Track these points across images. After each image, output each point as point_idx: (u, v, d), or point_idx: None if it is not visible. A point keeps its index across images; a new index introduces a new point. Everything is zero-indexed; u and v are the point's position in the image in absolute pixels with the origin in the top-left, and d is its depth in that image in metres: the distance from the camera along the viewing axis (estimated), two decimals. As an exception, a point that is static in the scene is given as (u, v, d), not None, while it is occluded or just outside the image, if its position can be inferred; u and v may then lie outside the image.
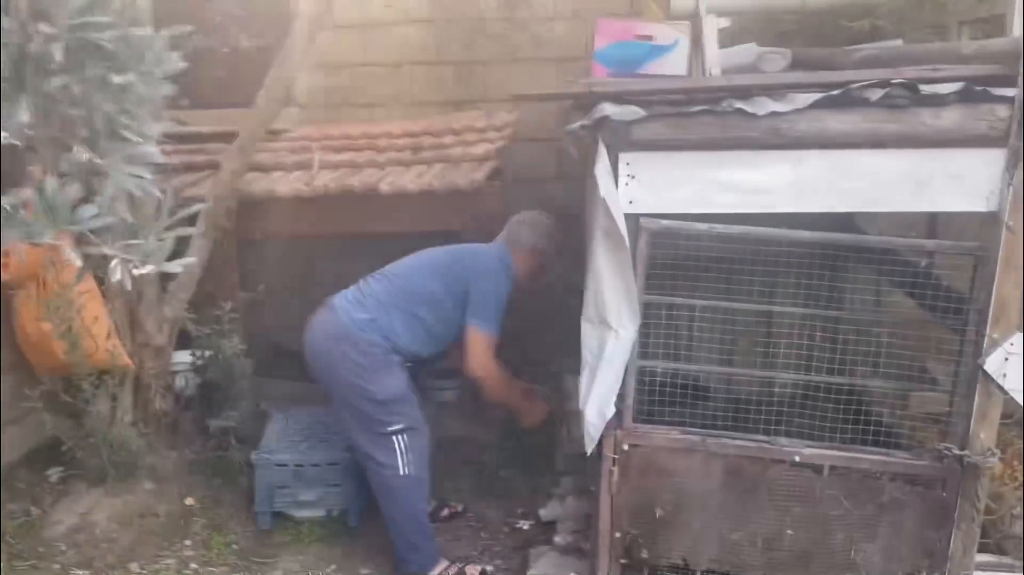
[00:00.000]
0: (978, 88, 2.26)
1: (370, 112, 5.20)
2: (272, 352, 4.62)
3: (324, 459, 3.53)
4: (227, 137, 4.35)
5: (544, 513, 3.52)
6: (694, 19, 2.98)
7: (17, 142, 1.23)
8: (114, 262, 1.12)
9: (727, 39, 3.15)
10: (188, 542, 3.43)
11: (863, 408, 3.53)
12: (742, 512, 2.65)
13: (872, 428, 2.66)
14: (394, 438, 3.10)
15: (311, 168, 4.11)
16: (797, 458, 2.55)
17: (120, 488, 3.56)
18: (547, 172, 5.23)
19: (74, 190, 1.03)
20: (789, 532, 2.63)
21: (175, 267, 1.13)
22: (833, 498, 2.56)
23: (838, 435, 2.75)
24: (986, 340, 2.38)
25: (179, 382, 3.97)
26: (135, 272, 1.13)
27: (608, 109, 2.40)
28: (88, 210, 1.05)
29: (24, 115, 1.00)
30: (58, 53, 0.97)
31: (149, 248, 1.11)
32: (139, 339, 3.70)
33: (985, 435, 2.45)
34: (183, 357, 3.94)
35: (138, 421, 3.72)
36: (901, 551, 2.58)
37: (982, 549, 2.64)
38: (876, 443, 2.61)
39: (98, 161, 1.04)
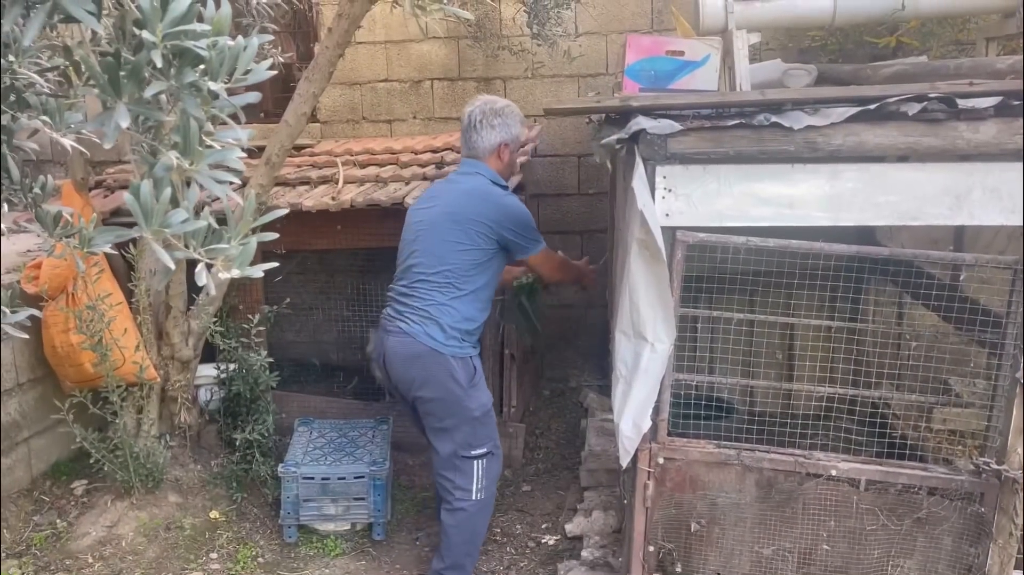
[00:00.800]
0: (1015, 102, 2.27)
1: (391, 128, 5.25)
2: (297, 365, 4.64)
3: (350, 472, 3.53)
4: (251, 151, 4.38)
5: (570, 528, 3.51)
6: (724, 34, 3.01)
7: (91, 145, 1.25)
8: (200, 266, 1.13)
9: (751, 55, 3.18)
10: (214, 555, 3.42)
11: (887, 422, 3.55)
12: (777, 526, 2.64)
13: (890, 441, 2.66)
14: (475, 462, 3.04)
15: (336, 183, 4.14)
16: (833, 472, 2.54)
17: (146, 501, 3.56)
18: (568, 187, 5.27)
19: (166, 194, 1.05)
20: (825, 547, 2.62)
21: (257, 271, 1.14)
22: (870, 512, 2.55)
23: (863, 449, 2.75)
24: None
25: (204, 395, 3.98)
26: (221, 276, 1.14)
27: (644, 122, 2.41)
28: (178, 214, 1.06)
29: (124, 120, 1.02)
30: (158, 60, 0.99)
31: (233, 252, 1.12)
32: (165, 352, 3.71)
33: (1022, 450, 2.44)
34: (208, 370, 3.95)
35: (164, 434, 3.73)
36: (938, 566, 2.57)
37: (1019, 565, 2.62)
38: (900, 457, 2.61)
39: (187, 167, 1.05)
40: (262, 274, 1.16)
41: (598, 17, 4.88)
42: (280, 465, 3.54)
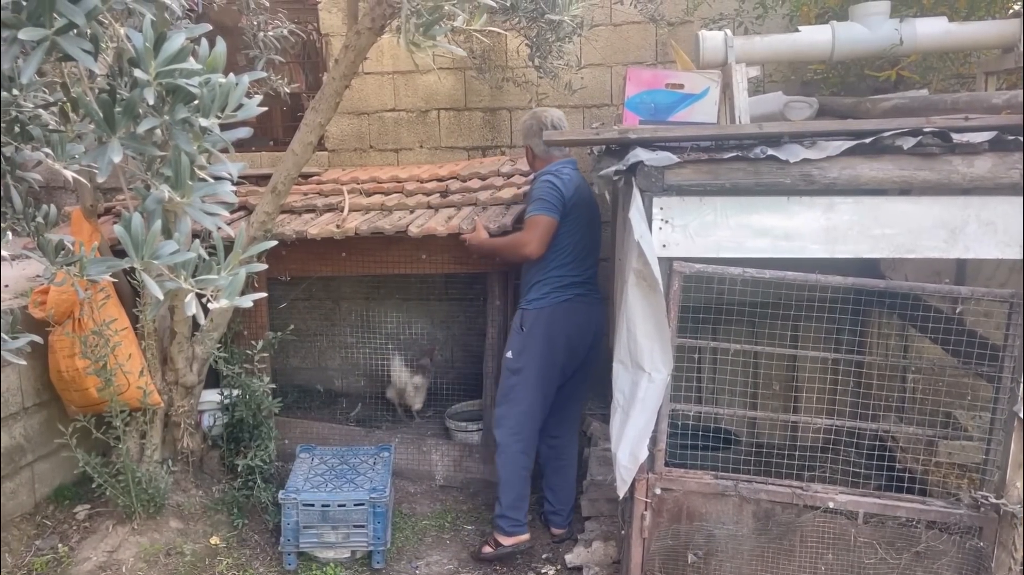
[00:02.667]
0: (1011, 137, 2.29)
1: (398, 156, 5.30)
2: (300, 391, 4.66)
3: (349, 499, 3.53)
4: (259, 180, 4.45)
5: (570, 558, 3.49)
6: (724, 68, 3.05)
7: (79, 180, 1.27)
8: (189, 296, 1.16)
9: (751, 88, 3.22)
10: (213, 582, 3.42)
11: (889, 455, 3.52)
12: (775, 559, 2.63)
13: (898, 475, 2.66)
14: None
15: (341, 211, 4.19)
16: (831, 504, 2.53)
17: (147, 526, 3.57)
18: (572, 216, 5.27)
19: (157, 226, 1.08)
20: (823, 580, 2.60)
21: (246, 302, 1.17)
22: (868, 546, 2.54)
23: (866, 482, 2.74)
24: (1022, 388, 2.37)
25: (207, 420, 4.00)
26: (210, 306, 1.17)
27: (642, 154, 2.45)
28: (168, 246, 1.09)
29: (116, 155, 1.05)
30: (150, 97, 1.03)
31: (222, 283, 1.15)
32: (170, 377, 3.74)
33: (1021, 484, 2.43)
34: (212, 395, 3.98)
35: (166, 459, 3.75)
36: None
37: (1020, 600, 2.60)
38: (905, 491, 2.60)
39: (179, 200, 1.08)
40: (252, 303, 1.19)
41: (602, 49, 4.94)
42: (280, 491, 3.55)
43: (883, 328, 3.68)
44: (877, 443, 3.50)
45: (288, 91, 3.55)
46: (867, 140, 2.39)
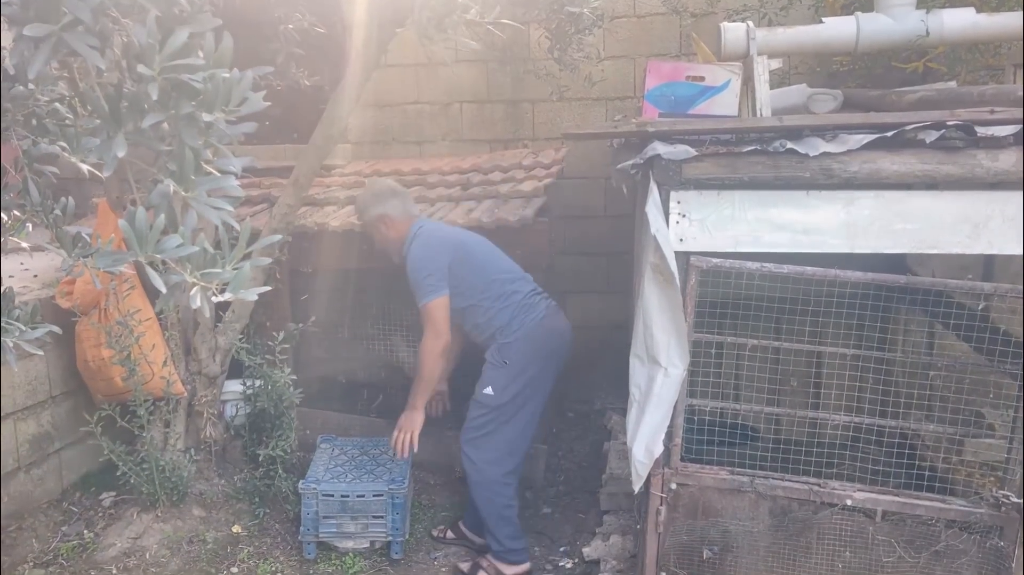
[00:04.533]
0: (1036, 131, 2.25)
1: (420, 149, 5.31)
2: (322, 382, 4.69)
3: (369, 490, 3.55)
4: (282, 172, 4.48)
5: (588, 551, 3.49)
6: (745, 60, 3.02)
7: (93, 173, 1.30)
8: (194, 289, 1.18)
9: (777, 80, 3.18)
10: (235, 569, 3.47)
11: (914, 453, 3.48)
12: (791, 556, 2.61)
13: (921, 473, 2.62)
14: None
15: (363, 203, 4.20)
16: (849, 502, 2.51)
17: (170, 514, 3.63)
18: (594, 209, 5.28)
19: (161, 220, 1.09)
20: (840, 578, 2.58)
21: (251, 295, 1.18)
22: (886, 544, 2.51)
23: (890, 480, 2.71)
24: (1046, 385, 2.33)
25: (230, 410, 4.05)
26: (214, 299, 1.18)
27: (660, 148, 2.43)
28: (173, 239, 1.11)
29: (121, 150, 1.06)
30: (154, 92, 1.04)
31: (227, 276, 1.16)
32: (193, 367, 3.79)
33: (1045, 483, 2.39)
34: (234, 386, 4.02)
35: (189, 448, 3.80)
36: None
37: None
38: (929, 490, 2.56)
39: (184, 194, 1.10)
40: (256, 298, 1.20)
41: (625, 41, 4.91)
42: (301, 481, 3.58)
43: (907, 324, 3.62)
44: (901, 441, 3.46)
45: (310, 84, 3.56)
46: (889, 134, 2.36)
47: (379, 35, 3.41)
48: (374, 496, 3.54)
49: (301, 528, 3.57)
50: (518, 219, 3.78)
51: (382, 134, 5.34)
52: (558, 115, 5.15)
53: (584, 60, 4.01)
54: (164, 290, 1.17)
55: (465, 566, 3.49)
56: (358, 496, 3.54)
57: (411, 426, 3.42)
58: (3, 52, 1.33)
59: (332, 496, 3.54)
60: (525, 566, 3.45)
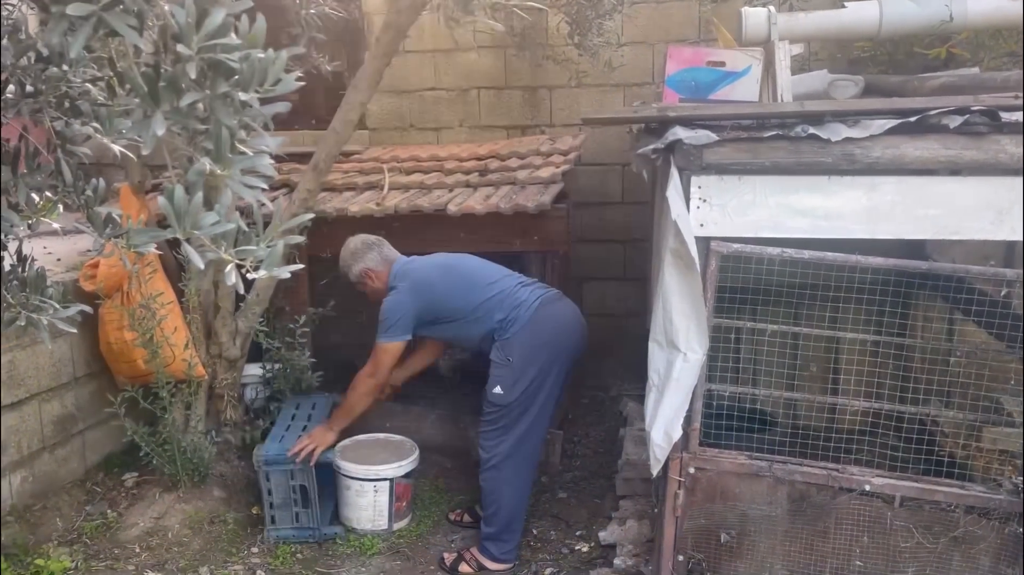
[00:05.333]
0: (1061, 116, 2.23)
1: (437, 135, 5.32)
2: (340, 367, 4.73)
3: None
4: (301, 157, 4.50)
5: (604, 535, 3.52)
6: (766, 45, 3.00)
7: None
8: (229, 267, 1.20)
9: (796, 66, 3.17)
10: (255, 549, 3.52)
11: (931, 440, 3.47)
12: (809, 541, 2.62)
13: (939, 460, 2.62)
14: None
15: (381, 189, 4.23)
16: (867, 487, 2.51)
17: (192, 494, 3.68)
18: (611, 196, 5.28)
19: (199, 198, 1.11)
20: (858, 563, 2.59)
21: (284, 272, 1.20)
22: (905, 530, 2.52)
23: (909, 467, 2.71)
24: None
25: (250, 393, 4.09)
26: (249, 277, 1.20)
27: (681, 133, 2.43)
28: (210, 217, 1.13)
29: (160, 128, 1.08)
30: (192, 72, 1.06)
31: (261, 254, 1.18)
32: (213, 351, 3.83)
33: (1065, 470, 2.39)
34: (254, 369, 4.06)
35: (210, 430, 3.85)
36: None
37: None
38: (948, 477, 2.57)
39: (220, 172, 1.12)
40: (289, 274, 1.22)
41: (644, 27, 4.89)
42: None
43: (927, 311, 3.61)
44: (918, 428, 3.46)
45: (330, 69, 3.58)
46: (912, 119, 2.35)
47: (399, 20, 3.42)
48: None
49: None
50: (536, 205, 3.78)
51: (400, 120, 5.35)
52: (575, 101, 5.14)
53: (604, 46, 4.01)
54: (202, 267, 1.19)
55: (450, 557, 3.46)
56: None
57: (319, 442, 3.52)
58: (32, 31, 1.36)
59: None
60: (509, 565, 3.40)
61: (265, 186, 1.21)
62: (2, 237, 1.63)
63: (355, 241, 3.62)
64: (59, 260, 4.05)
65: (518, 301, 3.38)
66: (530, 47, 4.76)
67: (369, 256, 3.56)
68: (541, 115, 5.20)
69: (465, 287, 3.44)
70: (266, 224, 1.32)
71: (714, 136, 2.43)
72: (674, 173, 2.45)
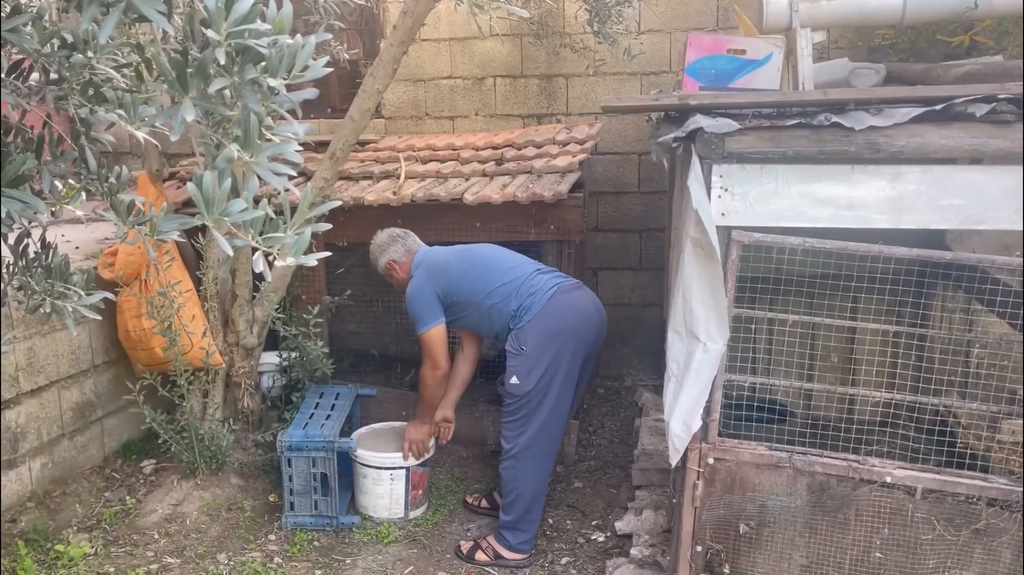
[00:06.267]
0: (1090, 104, 2.20)
1: (453, 124, 5.31)
2: (356, 355, 4.75)
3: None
4: (317, 147, 4.50)
5: (620, 526, 3.51)
6: (788, 33, 2.97)
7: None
8: (257, 254, 1.19)
9: (816, 55, 3.13)
10: (272, 536, 3.54)
11: (949, 432, 3.45)
12: (828, 532, 2.60)
13: (958, 452, 2.60)
14: None
15: (398, 178, 4.22)
16: (888, 479, 2.50)
17: (209, 481, 3.70)
18: (627, 185, 5.25)
19: (227, 185, 1.11)
20: (878, 555, 2.58)
21: (311, 260, 1.20)
22: (926, 522, 2.50)
23: (930, 458, 2.69)
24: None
25: (266, 382, 4.11)
26: (276, 264, 1.20)
27: (702, 121, 2.41)
28: (238, 204, 1.12)
29: (189, 114, 1.08)
30: (221, 57, 1.05)
31: (288, 241, 1.18)
32: (231, 339, 3.84)
33: (1089, 463, 2.36)
34: (271, 358, 4.08)
35: (227, 418, 3.87)
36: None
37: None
38: (964, 468, 2.54)
39: (247, 159, 1.11)
40: (316, 262, 1.21)
41: (662, 15, 4.85)
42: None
43: (947, 302, 3.58)
44: (937, 419, 3.43)
45: (347, 57, 3.57)
46: (937, 107, 2.32)
47: (416, 8, 3.40)
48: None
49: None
50: (553, 194, 3.77)
51: (415, 109, 5.34)
52: (592, 90, 5.12)
53: (623, 33, 3.97)
54: (231, 253, 1.19)
55: (466, 546, 3.46)
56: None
57: (420, 437, 3.63)
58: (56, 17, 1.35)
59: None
60: (524, 555, 3.40)
61: (293, 173, 1.21)
62: (26, 223, 1.64)
63: (382, 235, 3.66)
64: (77, 248, 4.07)
65: (533, 288, 3.38)
66: (547, 35, 4.73)
67: (393, 248, 3.59)
68: (557, 104, 5.17)
69: (481, 270, 3.46)
70: (289, 211, 1.32)
71: (736, 124, 2.41)
72: (695, 162, 2.43)
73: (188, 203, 4.06)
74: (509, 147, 4.50)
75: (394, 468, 3.59)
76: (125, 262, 3.57)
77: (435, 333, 3.42)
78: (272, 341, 4.07)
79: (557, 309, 3.35)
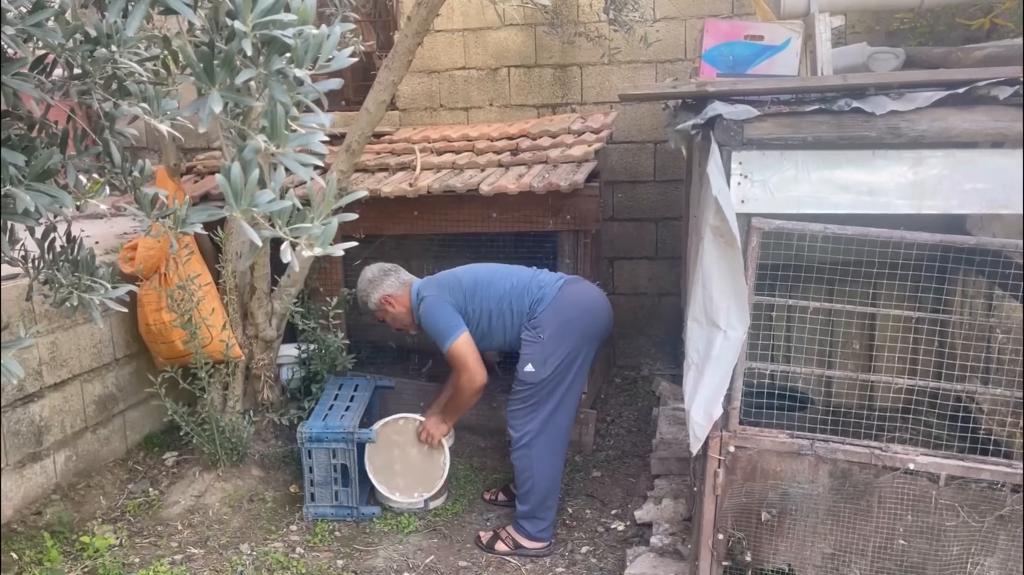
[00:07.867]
0: (1116, 85, 2.17)
1: (467, 115, 5.30)
2: (374, 347, 4.76)
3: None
4: (332, 139, 4.51)
5: (640, 514, 3.52)
6: (806, 18, 2.95)
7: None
8: (284, 244, 1.20)
9: (833, 40, 3.10)
10: (293, 527, 3.56)
11: (970, 417, 3.43)
12: (851, 520, 2.59)
13: (980, 439, 2.58)
14: None
15: (413, 169, 4.23)
16: (911, 466, 2.48)
17: (231, 473, 3.73)
18: (643, 174, 5.24)
19: (255, 176, 1.11)
20: (901, 542, 2.57)
21: (338, 250, 1.20)
22: (949, 508, 2.48)
23: (954, 445, 2.67)
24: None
25: (285, 374, 4.13)
26: (304, 254, 1.21)
27: (721, 108, 2.39)
28: (266, 195, 1.13)
29: (217, 105, 1.09)
30: (248, 48, 1.05)
31: (316, 231, 1.18)
32: (250, 331, 3.87)
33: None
34: (290, 350, 4.10)
35: (248, 410, 3.89)
36: (1021, 565, 2.48)
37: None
38: (985, 454, 2.52)
39: (274, 150, 1.11)
40: (343, 252, 1.22)
41: (677, 2, 4.82)
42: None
43: (968, 287, 3.55)
44: (959, 405, 3.41)
45: (363, 49, 3.57)
46: (960, 91, 2.29)
47: (431, -1, 3.40)
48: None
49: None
50: (569, 184, 3.76)
51: (429, 100, 5.33)
52: (607, 79, 5.10)
53: (638, 21, 3.95)
54: (259, 244, 1.20)
55: (486, 536, 3.48)
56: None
57: (435, 432, 3.61)
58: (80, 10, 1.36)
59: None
60: (544, 543, 3.41)
61: (320, 163, 1.21)
62: (51, 218, 1.65)
63: (371, 269, 3.64)
64: (97, 243, 4.10)
65: (542, 282, 3.44)
66: (562, 24, 4.71)
67: (387, 282, 3.59)
68: (572, 93, 5.15)
69: (486, 279, 3.50)
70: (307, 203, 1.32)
71: (755, 111, 2.39)
72: (714, 149, 2.41)
73: (205, 197, 4.08)
74: (524, 137, 4.49)
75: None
76: (145, 256, 3.60)
77: (462, 343, 3.37)
78: (290, 334, 4.09)
79: (568, 299, 3.39)
